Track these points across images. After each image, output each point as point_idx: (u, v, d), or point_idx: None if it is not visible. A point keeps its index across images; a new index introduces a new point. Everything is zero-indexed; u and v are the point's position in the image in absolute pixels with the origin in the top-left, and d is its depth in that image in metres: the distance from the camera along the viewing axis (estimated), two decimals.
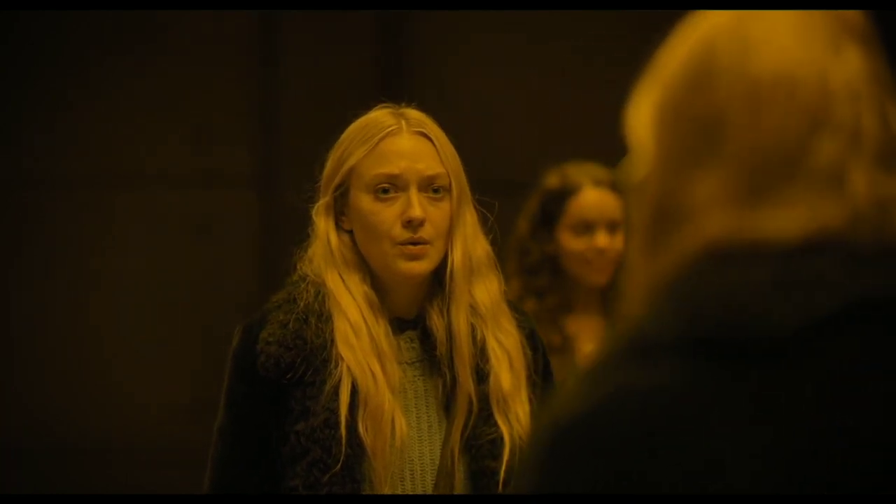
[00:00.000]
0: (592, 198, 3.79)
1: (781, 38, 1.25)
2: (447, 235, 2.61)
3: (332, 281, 2.60)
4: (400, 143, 2.61)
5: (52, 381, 5.53)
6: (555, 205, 3.80)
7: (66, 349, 5.53)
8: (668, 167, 1.28)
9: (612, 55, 5.22)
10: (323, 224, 2.64)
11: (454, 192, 2.62)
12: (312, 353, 2.56)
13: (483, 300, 2.63)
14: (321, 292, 2.59)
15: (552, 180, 3.83)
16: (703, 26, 1.29)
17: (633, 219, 1.31)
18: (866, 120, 1.24)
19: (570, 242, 3.80)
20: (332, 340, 2.56)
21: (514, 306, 2.73)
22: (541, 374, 2.70)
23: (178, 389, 5.41)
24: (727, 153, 1.24)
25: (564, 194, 3.79)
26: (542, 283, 3.80)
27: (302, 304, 2.59)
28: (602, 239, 3.78)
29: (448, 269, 2.62)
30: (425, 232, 2.58)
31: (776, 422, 1.17)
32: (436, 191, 2.61)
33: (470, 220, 2.64)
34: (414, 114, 2.66)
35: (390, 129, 2.62)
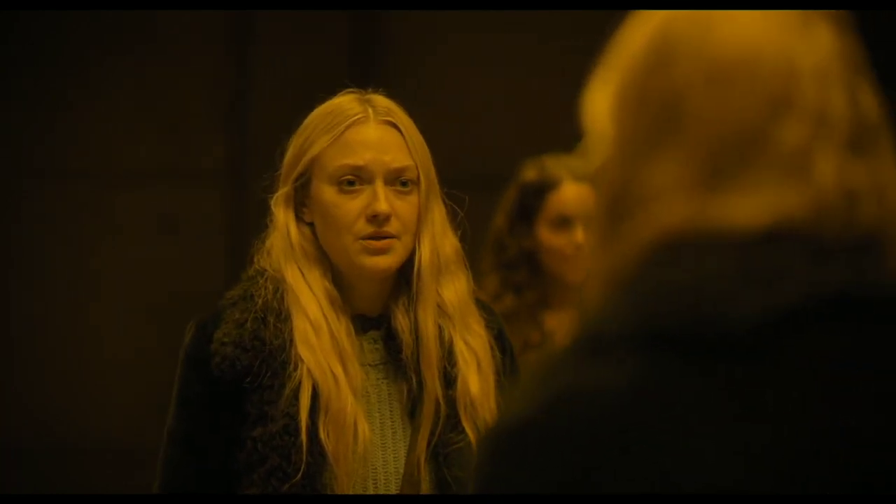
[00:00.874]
0: (572, 192, 3.66)
1: (745, 17, 1.19)
2: (415, 231, 2.48)
3: (292, 276, 2.47)
4: (366, 132, 2.48)
5: (42, 379, 5.50)
6: (533, 199, 3.67)
7: (58, 347, 5.49)
8: (626, 153, 1.21)
9: (587, 50, 5.22)
10: (282, 215, 2.51)
11: (422, 186, 2.49)
12: (271, 354, 2.42)
13: (451, 299, 2.51)
14: (280, 289, 2.46)
15: (530, 173, 3.70)
16: (663, 11, 1.22)
17: (593, 208, 1.24)
18: (835, 103, 1.18)
19: (549, 238, 3.67)
20: (291, 340, 2.43)
21: (483, 304, 2.61)
22: (509, 377, 2.57)
23: (151, 387, 5.27)
24: (686, 137, 1.18)
25: (543, 188, 3.67)
26: (520, 278, 3.68)
27: (260, 302, 2.46)
28: (581, 234, 3.65)
29: (415, 267, 2.49)
30: (391, 226, 2.45)
31: (738, 418, 1.11)
32: (403, 184, 2.48)
33: (438, 214, 2.51)
34: (381, 101, 2.52)
35: (356, 117, 2.48)
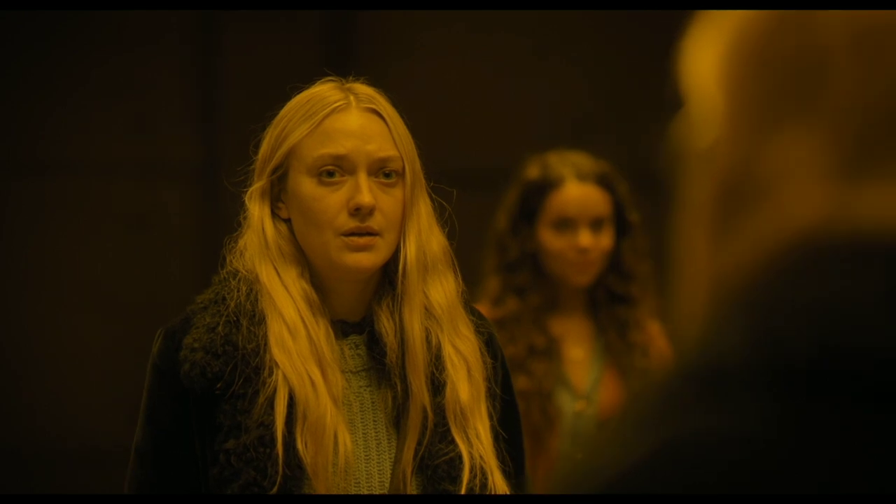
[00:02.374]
0: (575, 193, 3.48)
1: None
2: (399, 227, 2.31)
3: (267, 276, 2.30)
4: (347, 120, 2.32)
5: (8, 378, 5.41)
6: (534, 198, 3.49)
7: (26, 345, 5.41)
8: (746, 128, 0.97)
9: (563, 49, 5.33)
10: (257, 211, 2.35)
11: (408, 178, 2.33)
12: (244, 360, 2.26)
13: (439, 301, 2.34)
14: (254, 290, 2.30)
15: (532, 171, 3.52)
16: None
17: (694, 196, 0.99)
18: None
19: (550, 240, 3.49)
20: (266, 344, 2.27)
21: (472, 308, 2.44)
22: (500, 385, 2.41)
23: (117, 393, 5.27)
24: (827, 109, 0.94)
25: (545, 187, 3.49)
26: (522, 281, 3.50)
27: (232, 305, 2.29)
28: (585, 238, 3.47)
29: (400, 266, 2.32)
30: (374, 222, 2.29)
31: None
32: (387, 175, 2.32)
33: (424, 210, 2.35)
34: (363, 88, 2.37)
35: (337, 104, 2.33)
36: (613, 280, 3.49)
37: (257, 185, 2.35)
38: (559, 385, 3.44)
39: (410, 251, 2.32)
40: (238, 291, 2.31)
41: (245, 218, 2.36)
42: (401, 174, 2.33)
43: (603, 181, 3.47)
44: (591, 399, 3.44)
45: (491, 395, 2.37)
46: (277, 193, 2.35)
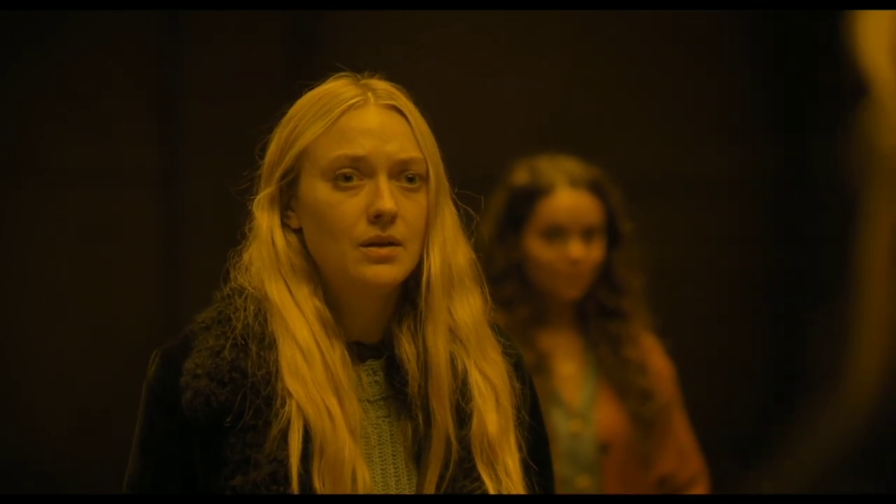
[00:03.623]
0: (566, 200, 3.27)
1: None
2: (422, 236, 2.08)
3: (278, 293, 2.07)
4: (365, 118, 2.09)
5: None
6: (523, 205, 3.27)
7: None
8: None
9: (539, 50, 5.24)
10: (266, 220, 2.11)
11: (432, 183, 2.11)
12: (253, 388, 2.03)
13: (465, 320, 2.12)
14: (262, 309, 2.05)
15: (521, 176, 3.30)
16: None
17: (880, 208, 0.79)
18: None
19: (539, 250, 3.28)
20: (277, 371, 2.03)
21: (497, 328, 2.21)
22: (529, 412, 2.18)
23: (81, 402, 5.07)
24: None
25: (534, 194, 3.27)
26: (509, 292, 3.28)
27: (239, 326, 2.05)
28: (576, 248, 3.26)
29: (423, 280, 2.10)
30: (396, 230, 2.06)
31: None
32: (410, 179, 2.09)
33: (450, 218, 2.13)
34: (381, 84, 2.15)
35: (353, 101, 2.10)
36: (604, 293, 3.29)
37: (265, 191, 2.11)
38: (551, 402, 3.23)
39: (435, 264, 2.09)
40: (245, 311, 2.07)
41: (251, 228, 2.12)
42: (424, 178, 2.10)
43: (595, 188, 3.27)
44: (588, 418, 3.24)
45: (520, 423, 2.15)
46: (287, 201, 2.11)
